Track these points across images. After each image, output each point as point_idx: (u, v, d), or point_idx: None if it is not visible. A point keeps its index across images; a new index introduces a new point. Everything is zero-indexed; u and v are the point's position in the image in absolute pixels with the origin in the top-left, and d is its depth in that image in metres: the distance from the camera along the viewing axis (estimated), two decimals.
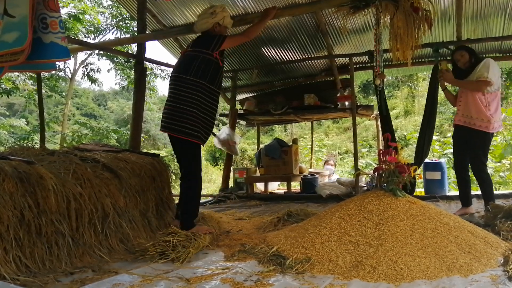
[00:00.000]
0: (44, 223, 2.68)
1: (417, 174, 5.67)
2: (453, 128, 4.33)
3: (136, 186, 3.60)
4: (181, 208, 3.60)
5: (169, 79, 3.71)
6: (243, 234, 3.62)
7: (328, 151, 17.13)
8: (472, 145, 4.09)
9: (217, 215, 4.68)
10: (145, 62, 4.62)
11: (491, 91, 3.99)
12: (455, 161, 4.33)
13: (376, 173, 3.52)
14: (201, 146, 3.59)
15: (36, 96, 13.67)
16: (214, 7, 3.65)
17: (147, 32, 5.17)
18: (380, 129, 6.59)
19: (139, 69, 4.53)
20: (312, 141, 8.50)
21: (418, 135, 5.47)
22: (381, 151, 3.40)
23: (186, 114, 3.45)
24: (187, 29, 4.69)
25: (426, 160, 5.57)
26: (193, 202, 3.62)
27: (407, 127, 17.78)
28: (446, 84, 4.36)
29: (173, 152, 3.87)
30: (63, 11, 11.94)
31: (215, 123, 3.70)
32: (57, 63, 3.56)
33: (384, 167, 3.35)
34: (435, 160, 5.69)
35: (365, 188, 5.66)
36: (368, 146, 16.67)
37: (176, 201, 3.95)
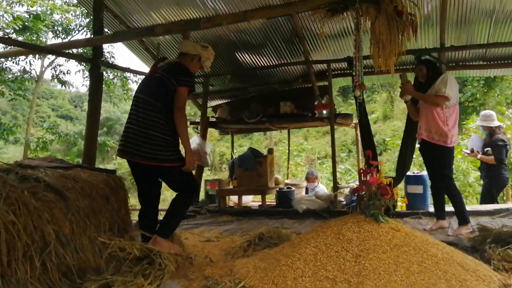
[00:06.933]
0: None
1: (399, 188, 5.38)
2: (419, 142, 4.30)
3: (85, 209, 3.17)
4: (165, 218, 3.43)
5: (133, 99, 3.46)
6: (208, 263, 3.24)
7: (307, 156, 16.88)
8: (434, 159, 4.12)
9: (183, 235, 4.29)
10: (102, 66, 4.14)
11: (449, 106, 4.01)
12: (428, 173, 4.44)
13: (355, 194, 3.18)
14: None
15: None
16: (210, 46, 3.60)
17: (108, 33, 4.74)
18: (360, 138, 6.31)
19: (95, 75, 4.05)
20: (288, 150, 8.10)
21: (399, 147, 5.20)
22: (361, 170, 3.07)
23: (159, 141, 3.25)
24: (148, 31, 4.28)
25: (408, 172, 5.29)
26: (179, 216, 3.55)
27: (386, 131, 17.66)
28: (407, 97, 4.33)
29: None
30: (26, 9, 11.26)
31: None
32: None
33: (364, 188, 3.02)
34: (417, 173, 5.39)
35: (344, 202, 5.33)
36: (348, 150, 16.49)
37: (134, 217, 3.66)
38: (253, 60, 6.10)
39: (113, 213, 3.46)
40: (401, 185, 5.48)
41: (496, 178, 5.70)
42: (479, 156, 5.79)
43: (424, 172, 5.28)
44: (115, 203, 3.50)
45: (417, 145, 4.51)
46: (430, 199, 5.33)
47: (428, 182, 5.35)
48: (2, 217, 2.51)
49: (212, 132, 8.56)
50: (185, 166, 3.35)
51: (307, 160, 16.93)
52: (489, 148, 5.69)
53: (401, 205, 5.39)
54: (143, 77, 3.86)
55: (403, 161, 5.07)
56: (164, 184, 3.60)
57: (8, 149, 18.92)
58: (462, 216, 4.03)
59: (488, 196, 5.78)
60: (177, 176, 3.36)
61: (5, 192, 2.66)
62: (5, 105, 20.62)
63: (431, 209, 5.01)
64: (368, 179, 2.95)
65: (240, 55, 5.99)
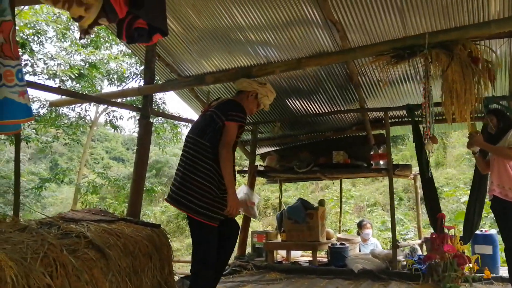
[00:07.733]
0: None
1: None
2: (490, 199, 3.82)
3: (127, 268, 2.95)
4: None
5: (184, 140, 3.23)
6: None
7: (356, 203, 16.25)
8: (508, 219, 3.65)
9: None
10: (151, 115, 4.05)
11: None
12: (500, 234, 3.85)
13: (427, 263, 2.78)
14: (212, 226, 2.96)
15: (53, 142, 13.48)
16: (268, 84, 3.34)
17: (159, 82, 4.70)
18: (419, 191, 5.85)
19: (144, 124, 3.96)
20: (341, 202, 7.66)
21: (467, 203, 4.71)
22: (434, 236, 2.68)
23: (198, 187, 2.95)
24: (198, 80, 4.17)
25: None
26: None
27: (439, 179, 16.73)
28: (476, 149, 3.94)
29: None
30: (82, 58, 11.72)
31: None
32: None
33: (438, 256, 2.63)
34: (485, 231, 4.84)
35: (404, 262, 4.83)
36: (398, 198, 15.69)
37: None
38: (304, 107, 5.88)
39: (156, 272, 3.23)
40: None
41: None
42: None
43: (493, 231, 4.75)
44: (158, 262, 3.28)
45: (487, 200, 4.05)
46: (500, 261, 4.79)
47: (498, 242, 4.83)
48: (37, 280, 2.32)
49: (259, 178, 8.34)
50: (226, 210, 2.97)
51: (355, 208, 16.27)
52: None
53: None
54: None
55: (471, 220, 4.56)
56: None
57: (63, 190, 19.52)
58: None
59: None
60: (200, 238, 3.00)
61: (42, 252, 2.48)
62: (61, 147, 21.47)
63: (502, 271, 4.45)
64: (442, 247, 2.57)
65: (291, 102, 5.79)
